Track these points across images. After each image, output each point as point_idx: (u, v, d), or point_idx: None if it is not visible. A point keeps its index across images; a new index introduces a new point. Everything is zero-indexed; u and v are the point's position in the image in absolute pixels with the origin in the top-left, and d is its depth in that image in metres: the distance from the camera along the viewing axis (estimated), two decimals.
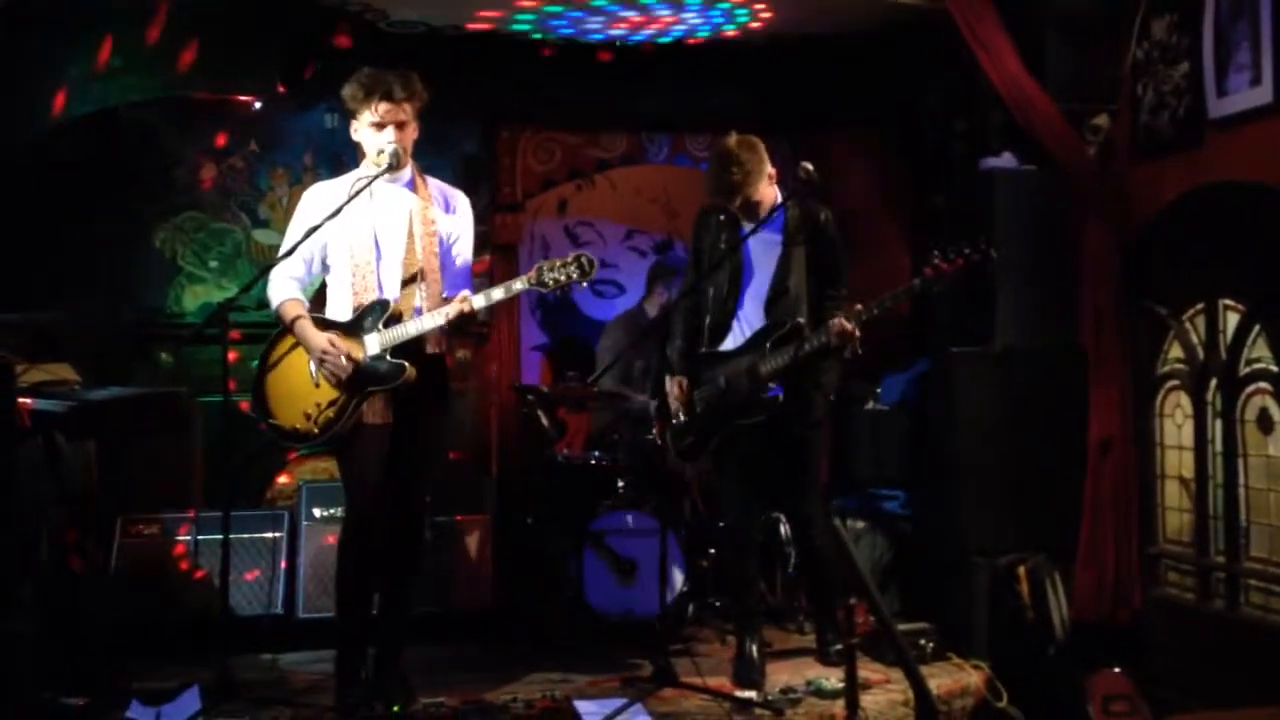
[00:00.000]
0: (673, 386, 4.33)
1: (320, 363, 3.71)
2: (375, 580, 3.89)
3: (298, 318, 3.78)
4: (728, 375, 4.21)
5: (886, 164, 6.08)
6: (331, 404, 3.72)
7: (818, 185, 4.19)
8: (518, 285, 3.73)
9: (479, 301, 3.72)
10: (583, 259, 3.67)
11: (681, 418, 4.31)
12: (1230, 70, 3.97)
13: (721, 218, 4.30)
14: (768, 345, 4.15)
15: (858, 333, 4.00)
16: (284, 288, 3.83)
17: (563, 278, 3.66)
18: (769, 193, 4.19)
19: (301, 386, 3.77)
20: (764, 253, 4.23)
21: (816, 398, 4.26)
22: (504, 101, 5.92)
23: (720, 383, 4.23)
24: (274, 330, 3.93)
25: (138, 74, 5.07)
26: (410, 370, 3.70)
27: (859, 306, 4.03)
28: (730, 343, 4.28)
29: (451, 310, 3.68)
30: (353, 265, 3.78)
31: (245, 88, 5.37)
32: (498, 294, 3.75)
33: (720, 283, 4.26)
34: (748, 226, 4.20)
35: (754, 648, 4.22)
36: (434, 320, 3.70)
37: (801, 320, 4.15)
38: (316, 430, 3.73)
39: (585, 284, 3.70)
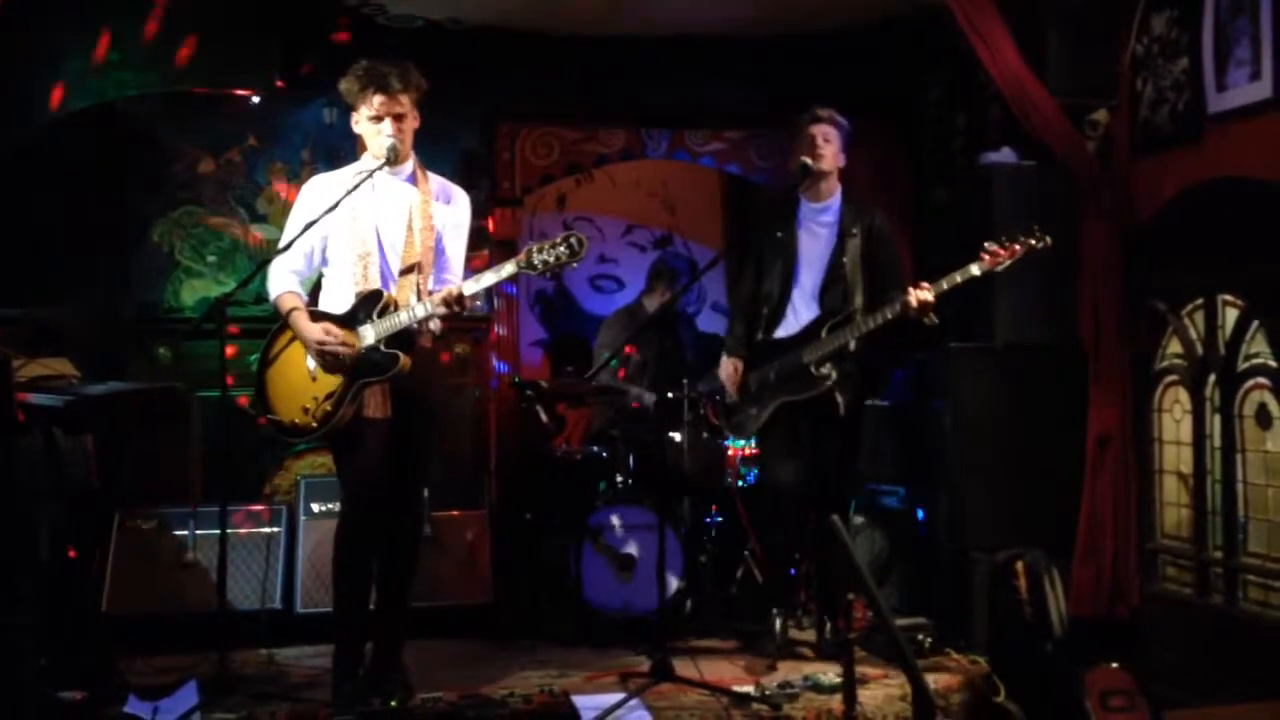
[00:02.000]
0: (727, 366, 4.50)
1: (319, 352, 3.70)
2: (372, 576, 3.88)
3: (293, 309, 3.78)
4: (784, 361, 4.34)
5: (886, 158, 6.07)
6: (329, 397, 3.71)
7: (818, 175, 4.23)
8: (507, 268, 3.68)
9: (469, 287, 3.68)
10: (572, 239, 3.59)
11: (735, 399, 4.47)
12: (1230, 65, 3.97)
13: (781, 209, 4.46)
14: (823, 332, 4.28)
15: (935, 302, 4.07)
16: (282, 280, 3.84)
17: (551, 259, 3.59)
18: (834, 180, 4.38)
19: (299, 381, 3.77)
20: (817, 242, 4.40)
21: (865, 386, 4.42)
22: (503, 96, 5.91)
23: (777, 368, 4.37)
24: (272, 325, 3.93)
25: (135, 68, 5.06)
26: (404, 360, 3.69)
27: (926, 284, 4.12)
28: (784, 330, 4.41)
29: (438, 296, 3.66)
30: (354, 257, 3.78)
31: (243, 82, 5.36)
32: (488, 278, 3.70)
33: (775, 272, 4.41)
34: (806, 207, 4.38)
35: (779, 625, 4.36)
36: (424, 309, 3.68)
37: (854, 308, 4.29)
38: (315, 424, 3.73)
39: (575, 264, 3.61)
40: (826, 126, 4.35)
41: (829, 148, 4.34)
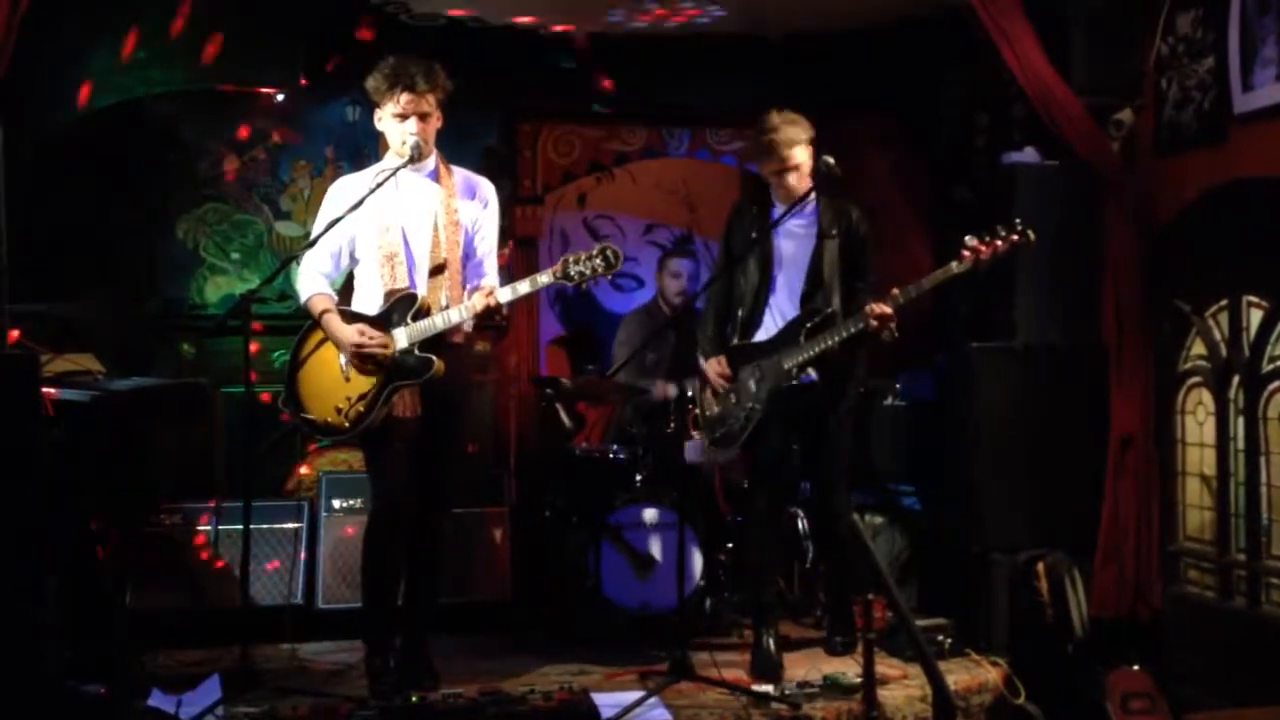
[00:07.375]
0: (712, 364, 4.33)
1: (355, 354, 3.73)
2: (400, 571, 3.93)
3: (325, 311, 3.81)
4: (763, 365, 4.23)
5: (908, 157, 6.06)
6: (361, 398, 3.75)
7: (839, 178, 4.20)
8: (543, 279, 3.74)
9: (505, 295, 3.74)
10: (608, 251, 3.66)
11: (715, 409, 4.33)
12: (1256, 65, 3.94)
13: (755, 210, 4.34)
14: (802, 335, 4.17)
15: (894, 315, 4.00)
16: (311, 282, 3.87)
17: (588, 271, 3.65)
18: (806, 178, 4.22)
19: (332, 381, 3.81)
20: (797, 244, 4.28)
21: (849, 387, 4.30)
22: (524, 94, 5.93)
23: (756, 373, 4.24)
24: (299, 323, 3.97)
25: (162, 66, 5.10)
26: (439, 364, 3.73)
27: (896, 290, 4.03)
28: (763, 334, 4.30)
29: (477, 304, 3.70)
30: (381, 258, 3.81)
31: (268, 80, 5.39)
32: (524, 288, 3.76)
33: (751, 274, 4.29)
34: (781, 207, 4.23)
35: (771, 641, 4.23)
36: (459, 315, 3.72)
37: (833, 310, 4.19)
38: (347, 424, 3.77)
39: (610, 276, 3.68)
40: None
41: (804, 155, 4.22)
